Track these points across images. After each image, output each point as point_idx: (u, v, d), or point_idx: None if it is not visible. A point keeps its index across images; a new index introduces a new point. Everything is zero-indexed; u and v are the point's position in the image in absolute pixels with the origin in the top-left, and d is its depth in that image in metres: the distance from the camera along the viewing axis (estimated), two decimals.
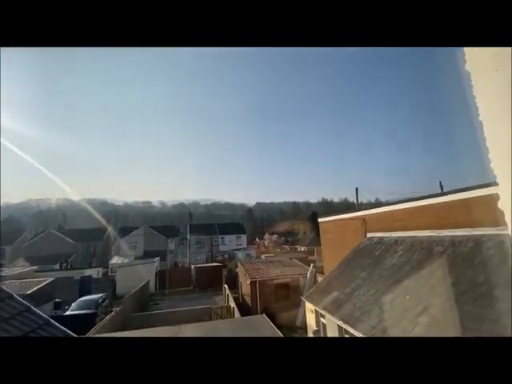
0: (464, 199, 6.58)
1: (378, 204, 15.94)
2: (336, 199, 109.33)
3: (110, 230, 42.52)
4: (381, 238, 9.54)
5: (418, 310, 5.50)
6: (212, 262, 37.05)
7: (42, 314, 4.59)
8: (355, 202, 15.01)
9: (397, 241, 8.67)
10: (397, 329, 5.45)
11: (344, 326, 6.75)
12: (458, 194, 6.80)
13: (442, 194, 7.73)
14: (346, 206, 74.60)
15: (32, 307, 4.58)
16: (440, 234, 7.25)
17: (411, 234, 8.25)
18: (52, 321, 4.54)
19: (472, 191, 6.32)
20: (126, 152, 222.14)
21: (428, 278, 6.25)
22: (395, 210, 9.26)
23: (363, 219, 10.69)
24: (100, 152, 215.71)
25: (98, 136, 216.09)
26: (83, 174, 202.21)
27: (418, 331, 5.02)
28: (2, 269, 26.20)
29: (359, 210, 11.64)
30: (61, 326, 4.54)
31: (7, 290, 4.63)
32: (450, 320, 4.83)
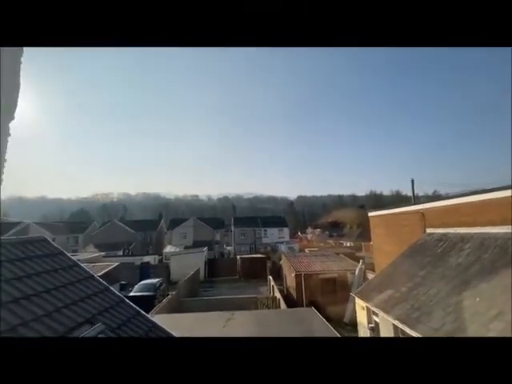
0: None
1: (437, 197, 14.50)
2: (386, 192, 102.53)
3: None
4: (443, 234, 8.67)
5: (491, 315, 4.93)
6: (255, 254, 37.89)
7: (117, 292, 5.20)
8: (411, 194, 13.89)
9: (463, 237, 7.80)
10: (465, 333, 4.97)
11: (401, 326, 6.38)
12: None
13: None
14: (398, 200, 69.44)
15: (109, 287, 5.22)
16: None
17: (481, 231, 7.33)
18: (126, 299, 5.12)
19: None
20: (176, 152, 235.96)
21: (503, 280, 5.53)
22: (460, 204, 8.32)
23: (422, 213, 9.84)
24: (155, 153, 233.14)
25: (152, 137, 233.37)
26: (141, 171, 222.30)
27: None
28: (77, 253, 30.45)
29: (415, 204, 10.74)
30: (133, 305, 5.09)
31: (90, 271, 5.32)
32: None
